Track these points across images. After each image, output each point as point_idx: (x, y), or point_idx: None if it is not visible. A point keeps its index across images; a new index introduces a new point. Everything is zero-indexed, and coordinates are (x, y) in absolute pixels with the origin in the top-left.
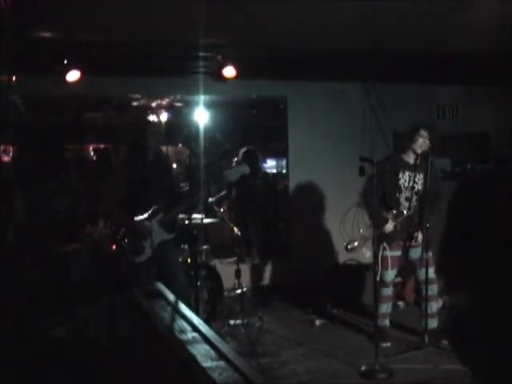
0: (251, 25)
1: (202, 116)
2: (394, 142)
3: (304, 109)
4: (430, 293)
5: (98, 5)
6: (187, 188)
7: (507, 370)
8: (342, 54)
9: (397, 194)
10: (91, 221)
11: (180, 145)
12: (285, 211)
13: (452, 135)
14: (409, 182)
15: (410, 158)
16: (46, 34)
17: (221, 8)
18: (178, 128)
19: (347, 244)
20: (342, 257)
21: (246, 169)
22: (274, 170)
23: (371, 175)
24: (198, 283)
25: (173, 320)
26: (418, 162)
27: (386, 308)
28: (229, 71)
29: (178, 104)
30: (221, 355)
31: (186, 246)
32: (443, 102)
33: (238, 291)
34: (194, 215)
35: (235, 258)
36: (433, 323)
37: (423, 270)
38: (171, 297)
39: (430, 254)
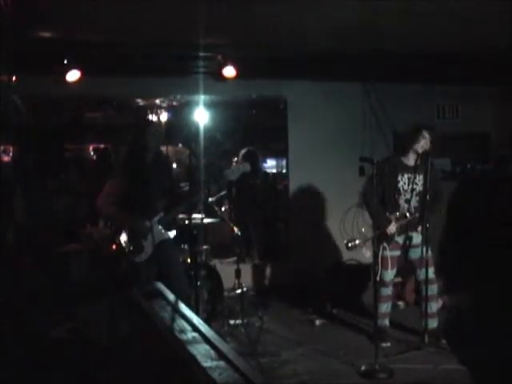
0: (251, 25)
1: (202, 116)
2: (394, 142)
3: (304, 109)
4: (429, 293)
5: (98, 5)
6: (187, 188)
7: (507, 369)
8: (342, 54)
9: (396, 196)
10: (91, 221)
11: (180, 145)
12: (285, 211)
13: (452, 135)
14: (408, 185)
15: (410, 160)
16: (46, 34)
17: (221, 8)
18: (178, 128)
19: (348, 241)
20: (342, 257)
21: (246, 167)
22: (274, 170)
23: (371, 175)
24: (198, 283)
25: (173, 320)
26: (418, 162)
27: (385, 308)
28: (229, 71)
29: (178, 104)
30: (221, 355)
31: (185, 246)
32: (443, 102)
33: (238, 291)
34: (194, 215)
35: (235, 258)
36: (433, 323)
37: (423, 270)
38: (171, 297)
39: (430, 253)
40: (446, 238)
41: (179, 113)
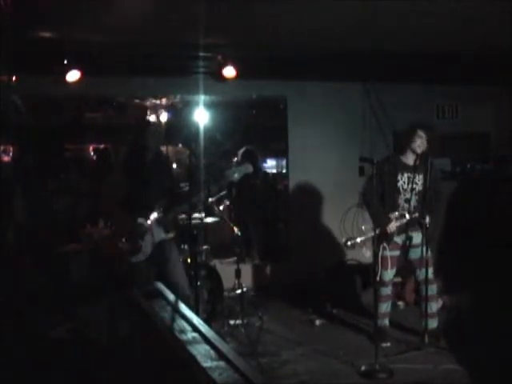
0: (251, 25)
1: (201, 116)
2: (394, 142)
3: (304, 109)
4: (429, 293)
5: (98, 5)
6: (187, 188)
7: (507, 369)
8: (342, 54)
9: (396, 196)
10: (91, 221)
11: (180, 145)
12: (285, 211)
13: (452, 135)
14: (408, 184)
15: (409, 159)
16: (46, 34)
17: (221, 8)
18: (178, 128)
19: (347, 240)
20: (342, 257)
21: (249, 168)
22: (274, 170)
23: (371, 175)
24: (198, 283)
25: (173, 320)
26: (418, 162)
27: (385, 307)
28: (229, 71)
29: (178, 104)
30: (221, 355)
31: (185, 246)
32: (443, 102)
33: (238, 291)
34: (194, 215)
35: (235, 258)
36: (433, 323)
37: (423, 270)
38: (171, 297)
39: (430, 253)
40: (446, 238)
41: (179, 113)
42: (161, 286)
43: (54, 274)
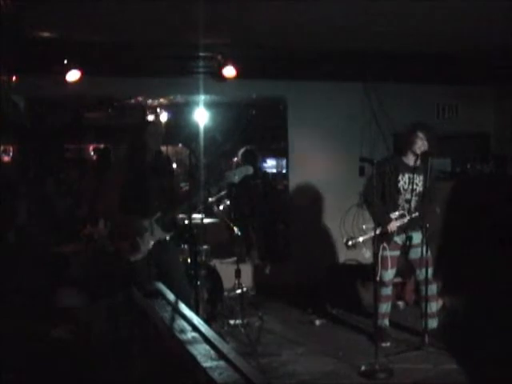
0: (251, 25)
1: (201, 116)
2: (394, 142)
3: (304, 109)
4: (429, 293)
5: (98, 5)
6: (187, 188)
7: (507, 370)
8: (342, 54)
9: (396, 196)
10: (91, 221)
11: (180, 145)
12: (285, 211)
13: (452, 135)
14: (408, 185)
15: (410, 160)
16: (46, 34)
17: (221, 8)
18: (178, 128)
19: (348, 240)
20: (342, 257)
21: (249, 170)
22: (274, 170)
23: (371, 175)
24: (198, 283)
25: (173, 320)
26: (418, 163)
27: (385, 308)
28: (229, 71)
29: (178, 104)
30: (221, 355)
31: (185, 246)
32: (443, 102)
33: (238, 291)
34: (194, 215)
35: (235, 258)
36: (433, 323)
37: (423, 270)
38: (171, 297)
39: (430, 253)
40: (446, 239)
41: (179, 113)
42: (161, 286)
43: (54, 273)
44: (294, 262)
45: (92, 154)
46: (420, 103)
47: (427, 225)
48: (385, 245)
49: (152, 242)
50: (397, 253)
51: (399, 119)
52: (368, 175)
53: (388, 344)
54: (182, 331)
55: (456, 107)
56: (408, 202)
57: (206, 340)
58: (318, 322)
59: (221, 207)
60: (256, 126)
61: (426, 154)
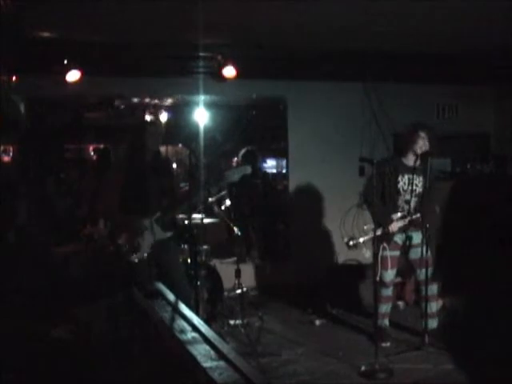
0: (251, 25)
1: (201, 116)
2: (394, 142)
3: (304, 109)
4: (429, 293)
5: (98, 5)
6: (187, 188)
7: (507, 370)
8: (342, 54)
9: (396, 197)
10: (91, 221)
11: (180, 145)
12: (285, 211)
13: (452, 135)
14: (408, 185)
15: (410, 161)
16: (46, 34)
17: (221, 8)
18: (178, 128)
19: (349, 240)
20: (343, 257)
21: (247, 170)
22: (274, 170)
23: (371, 175)
24: (198, 283)
25: (173, 320)
26: (418, 163)
27: (385, 308)
28: (229, 71)
29: (178, 104)
30: (221, 355)
31: (185, 246)
32: (443, 102)
33: (238, 291)
34: (194, 215)
35: (235, 258)
36: (433, 323)
37: (423, 270)
38: (171, 297)
39: (430, 253)
40: (445, 239)
41: (179, 113)
42: (161, 286)
43: (54, 273)
44: (294, 261)
45: (92, 154)
46: (420, 103)
47: (427, 225)
48: (385, 245)
49: (152, 242)
50: (397, 253)
51: (399, 119)
52: (368, 175)
53: (388, 344)
54: (182, 331)
55: (456, 107)
56: (407, 202)
57: (206, 340)
58: (317, 322)
59: (221, 207)
60: (256, 126)
61: (426, 154)
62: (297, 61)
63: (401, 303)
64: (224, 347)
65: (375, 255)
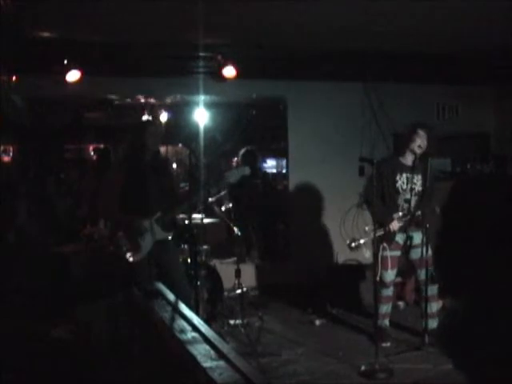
0: (251, 25)
1: (201, 116)
2: (394, 142)
3: (304, 109)
4: (430, 293)
5: (98, 5)
6: (187, 188)
7: (506, 370)
8: (342, 54)
9: (395, 196)
10: (91, 221)
11: (180, 145)
12: (285, 211)
13: (452, 135)
14: (407, 184)
15: (408, 160)
16: (46, 34)
17: (220, 8)
18: (178, 128)
19: (351, 242)
20: (343, 257)
21: (246, 170)
22: (274, 170)
23: (371, 175)
24: (198, 283)
25: (173, 320)
26: (417, 162)
27: (386, 308)
28: (229, 71)
29: (178, 104)
30: (221, 355)
31: (185, 246)
32: (443, 102)
33: (238, 291)
34: (194, 215)
35: (235, 258)
36: (433, 323)
37: (423, 270)
38: (171, 297)
39: (430, 253)
40: (445, 239)
41: (179, 113)
42: (161, 286)
43: (54, 273)
44: (294, 261)
45: (92, 154)
46: (420, 103)
47: (427, 225)
48: (385, 245)
49: (152, 242)
50: (397, 253)
51: (399, 119)
52: (368, 175)
53: (388, 344)
54: (182, 331)
55: (456, 107)
56: (407, 201)
57: (206, 340)
58: (318, 322)
59: (222, 208)
60: (256, 126)
61: (424, 153)
62: (297, 61)
63: (401, 303)
64: (224, 347)
65: (375, 255)
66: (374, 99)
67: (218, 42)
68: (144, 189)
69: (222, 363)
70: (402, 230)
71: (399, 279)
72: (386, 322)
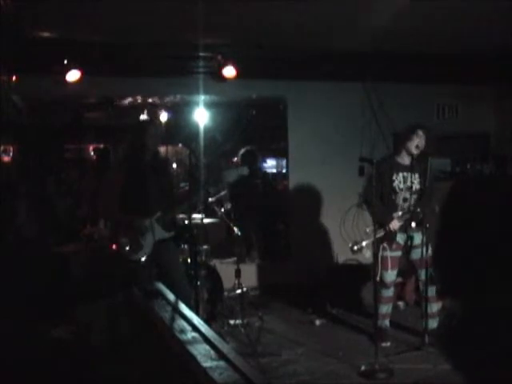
0: (251, 25)
1: (201, 116)
2: (394, 142)
3: (304, 109)
4: (430, 293)
5: (98, 5)
6: (187, 188)
7: (506, 370)
8: (342, 54)
9: (393, 196)
10: (91, 221)
11: (180, 145)
12: (285, 211)
13: (452, 135)
14: (404, 183)
15: (405, 159)
16: (46, 34)
17: (220, 8)
18: (178, 128)
19: (353, 245)
20: (342, 257)
21: (244, 170)
22: (274, 170)
23: (370, 175)
24: (198, 283)
25: (173, 320)
26: (414, 162)
27: (386, 309)
28: (229, 71)
29: (178, 104)
30: (221, 355)
31: (185, 246)
32: (443, 102)
33: (238, 291)
34: (194, 215)
35: (235, 258)
36: (433, 323)
37: (423, 270)
38: (171, 297)
39: (430, 253)
40: (445, 239)
41: (179, 113)
42: (161, 286)
43: (54, 273)
44: (294, 261)
45: (92, 154)
46: (420, 103)
47: (427, 225)
48: (385, 245)
49: (152, 242)
50: (398, 253)
51: (399, 119)
52: (368, 175)
53: (388, 344)
54: (182, 331)
55: (456, 107)
56: (406, 200)
57: (206, 340)
58: (318, 322)
59: (222, 208)
60: (256, 126)
61: (424, 153)
62: (297, 61)
63: (401, 303)
64: (224, 347)
65: (375, 255)
66: (374, 99)
67: (218, 42)
68: (144, 189)
69: (222, 363)
70: (403, 229)
71: (399, 279)
72: (387, 322)
